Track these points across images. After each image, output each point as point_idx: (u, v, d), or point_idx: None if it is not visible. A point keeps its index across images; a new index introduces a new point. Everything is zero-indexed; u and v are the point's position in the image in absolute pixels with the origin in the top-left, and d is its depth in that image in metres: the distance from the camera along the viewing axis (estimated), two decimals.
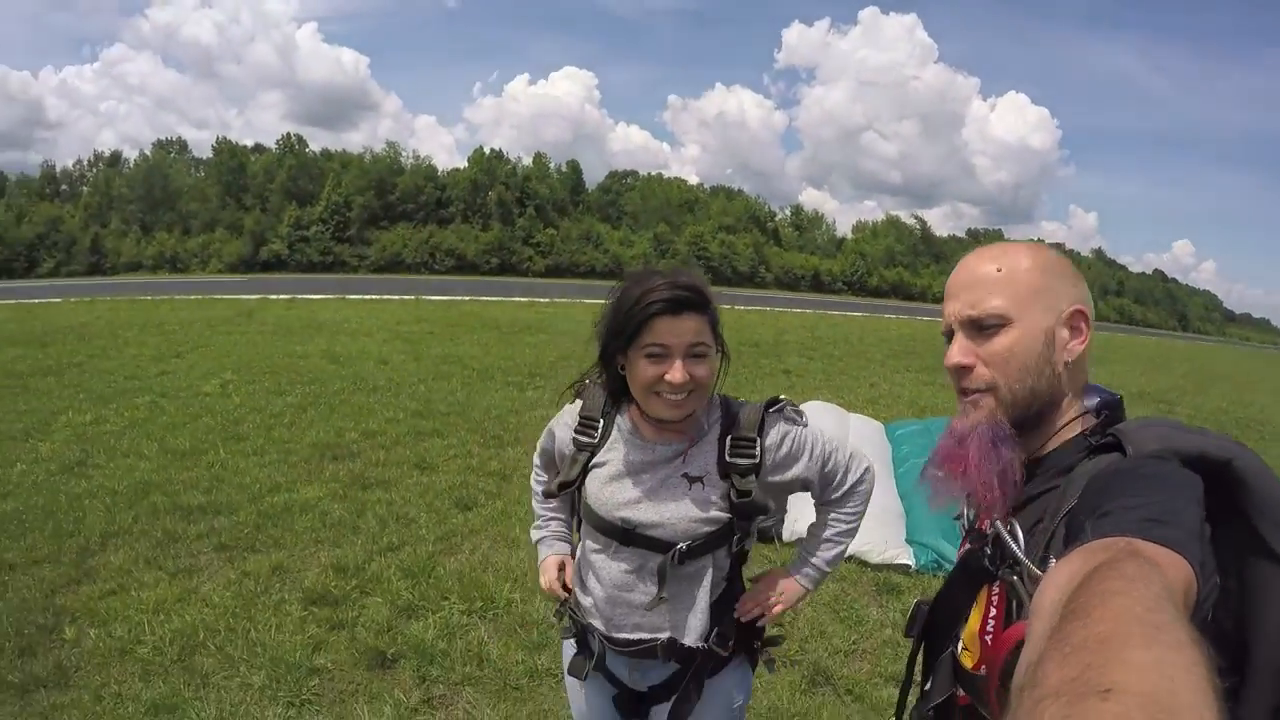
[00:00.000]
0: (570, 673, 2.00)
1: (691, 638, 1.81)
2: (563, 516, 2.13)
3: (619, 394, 1.83)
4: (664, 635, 1.81)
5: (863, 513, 1.94)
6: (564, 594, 1.96)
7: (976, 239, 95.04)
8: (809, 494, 1.92)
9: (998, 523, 1.16)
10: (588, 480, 1.85)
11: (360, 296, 21.60)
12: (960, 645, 1.24)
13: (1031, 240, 1.31)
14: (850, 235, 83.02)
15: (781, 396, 1.87)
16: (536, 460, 2.12)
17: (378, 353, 12.34)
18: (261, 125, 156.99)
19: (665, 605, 1.80)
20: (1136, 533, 0.81)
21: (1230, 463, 1.01)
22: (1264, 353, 57.92)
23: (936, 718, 1.29)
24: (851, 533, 1.95)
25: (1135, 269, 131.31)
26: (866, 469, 1.92)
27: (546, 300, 25.45)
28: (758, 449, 1.75)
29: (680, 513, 1.75)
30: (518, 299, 25.76)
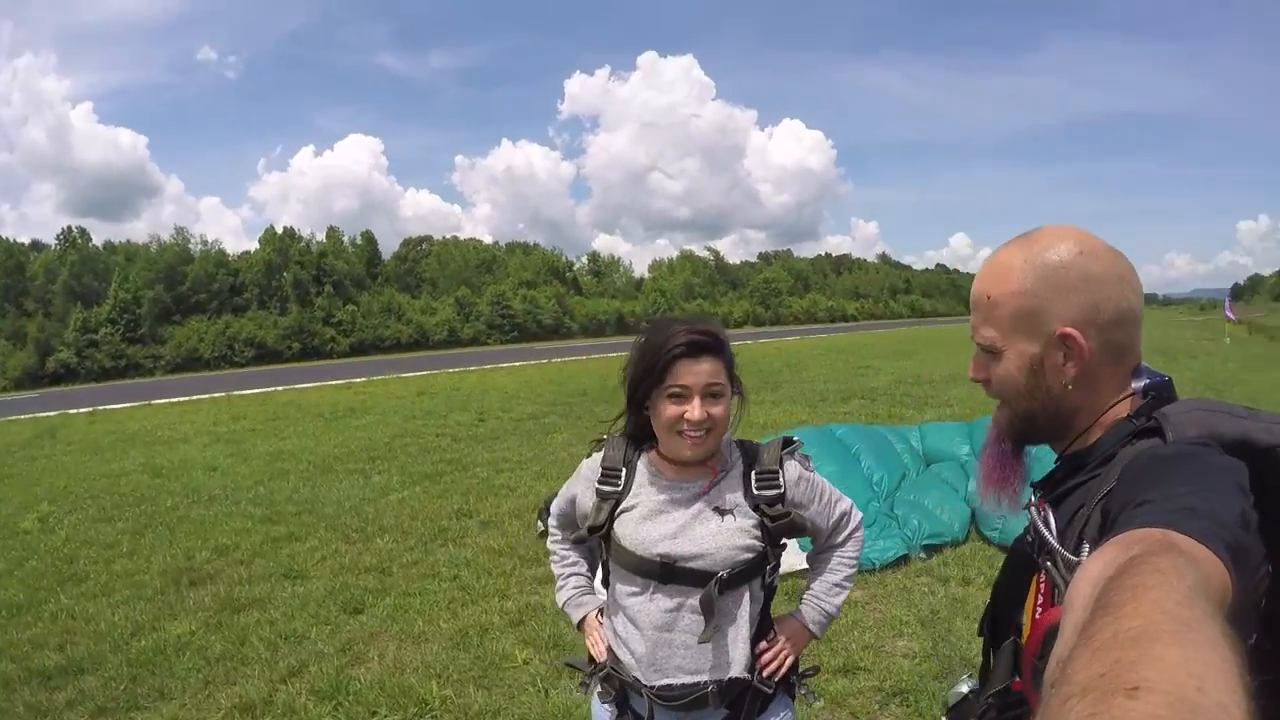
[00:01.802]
0: None
1: (735, 669, 1.84)
2: (582, 572, 2.15)
3: (641, 439, 1.93)
4: (709, 677, 1.83)
5: (858, 558, 2.08)
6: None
7: (768, 261, 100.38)
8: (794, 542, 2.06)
9: (1033, 510, 1.17)
10: (617, 525, 1.88)
11: (167, 400, 20.03)
12: (1024, 632, 1.21)
13: (1052, 229, 1.20)
14: (648, 275, 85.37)
15: (794, 438, 1.98)
16: (553, 522, 2.12)
17: (202, 459, 11.37)
18: (37, 219, 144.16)
19: (709, 641, 1.81)
20: (1172, 524, 0.79)
21: (1275, 448, 1.01)
22: None
23: (999, 709, 1.26)
24: (853, 577, 2.08)
25: (919, 266, 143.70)
26: (860, 516, 2.08)
27: (363, 380, 24.55)
28: (781, 481, 1.87)
29: (719, 541, 1.81)
30: (333, 382, 24.67)
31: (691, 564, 1.80)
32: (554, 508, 2.09)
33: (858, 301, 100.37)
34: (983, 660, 1.42)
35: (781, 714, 1.97)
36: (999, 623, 1.32)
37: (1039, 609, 1.15)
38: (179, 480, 9.98)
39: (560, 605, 2.10)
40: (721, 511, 1.83)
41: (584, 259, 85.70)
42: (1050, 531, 1.10)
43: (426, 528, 7.19)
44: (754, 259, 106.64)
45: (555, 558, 2.15)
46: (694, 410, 1.74)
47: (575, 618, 2.06)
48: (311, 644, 4.76)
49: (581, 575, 2.13)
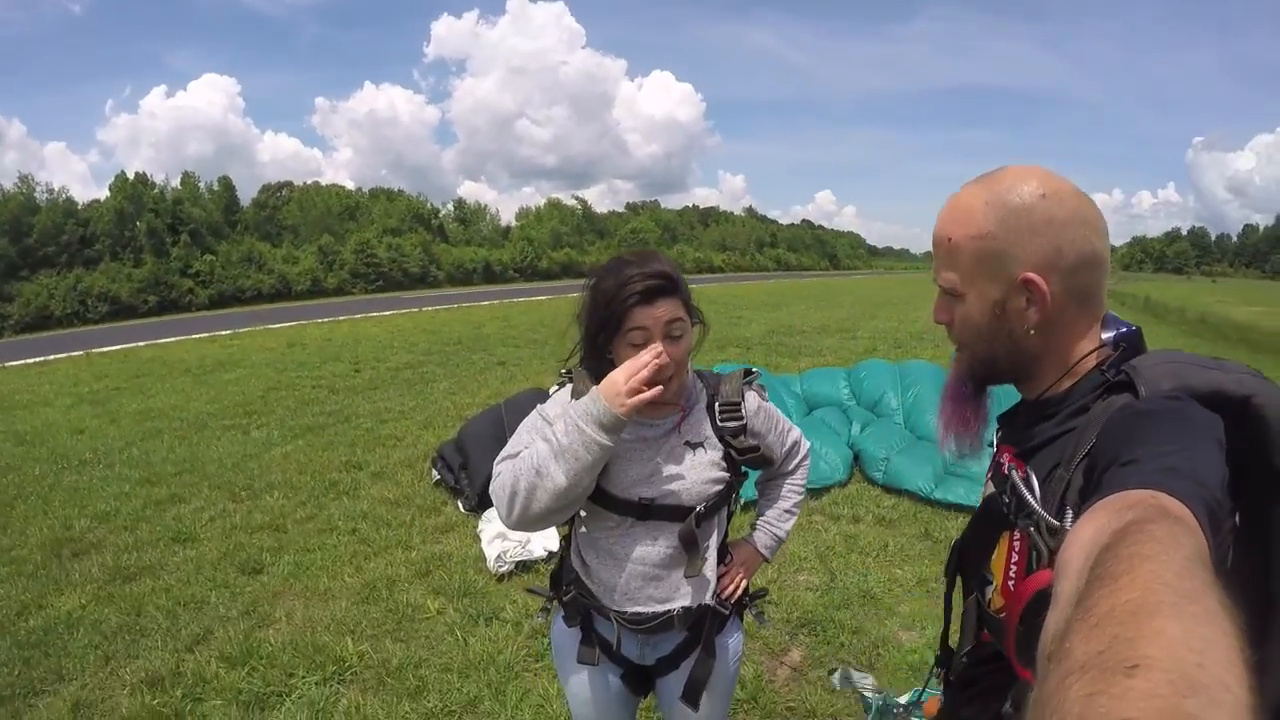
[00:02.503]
0: (581, 660, 1.98)
1: (703, 596, 1.92)
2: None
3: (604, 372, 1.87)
4: (677, 605, 1.89)
5: (805, 484, 2.20)
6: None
7: (635, 211, 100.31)
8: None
9: (1014, 471, 1.16)
10: None
11: (21, 362, 18.51)
12: (990, 587, 1.23)
13: (1015, 170, 1.17)
14: (515, 223, 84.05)
15: (753, 368, 2.03)
16: (515, 445, 1.84)
17: (66, 422, 10.52)
18: None
19: (697, 574, 1.87)
20: (1159, 485, 0.79)
21: (1249, 399, 1.00)
22: (909, 278, 67.70)
23: (971, 665, 1.31)
24: (801, 504, 2.20)
25: (785, 221, 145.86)
26: (809, 446, 2.19)
27: (228, 332, 23.26)
28: (743, 412, 1.91)
29: (692, 476, 1.84)
30: (196, 335, 23.27)
31: (668, 501, 1.82)
32: (512, 440, 1.86)
33: (725, 254, 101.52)
34: (945, 601, 1.47)
35: (734, 633, 2.08)
36: (965, 574, 1.34)
37: (1013, 568, 1.15)
38: (45, 446, 9.21)
39: (578, 426, 1.68)
40: (692, 445, 1.86)
41: (450, 206, 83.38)
42: (1033, 495, 1.10)
43: (316, 481, 6.98)
44: (622, 209, 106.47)
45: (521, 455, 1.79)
46: (660, 355, 1.72)
47: (599, 400, 1.68)
48: (213, 609, 4.57)
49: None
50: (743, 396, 1.93)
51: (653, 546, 1.85)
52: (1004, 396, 1.33)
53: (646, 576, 1.87)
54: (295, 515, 6.14)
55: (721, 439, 1.88)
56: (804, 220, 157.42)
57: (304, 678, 3.75)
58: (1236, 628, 0.52)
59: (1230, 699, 0.45)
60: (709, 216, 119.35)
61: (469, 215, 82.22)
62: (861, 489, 6.26)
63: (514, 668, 3.73)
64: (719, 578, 1.99)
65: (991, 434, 1.37)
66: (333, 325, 24.33)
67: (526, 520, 1.74)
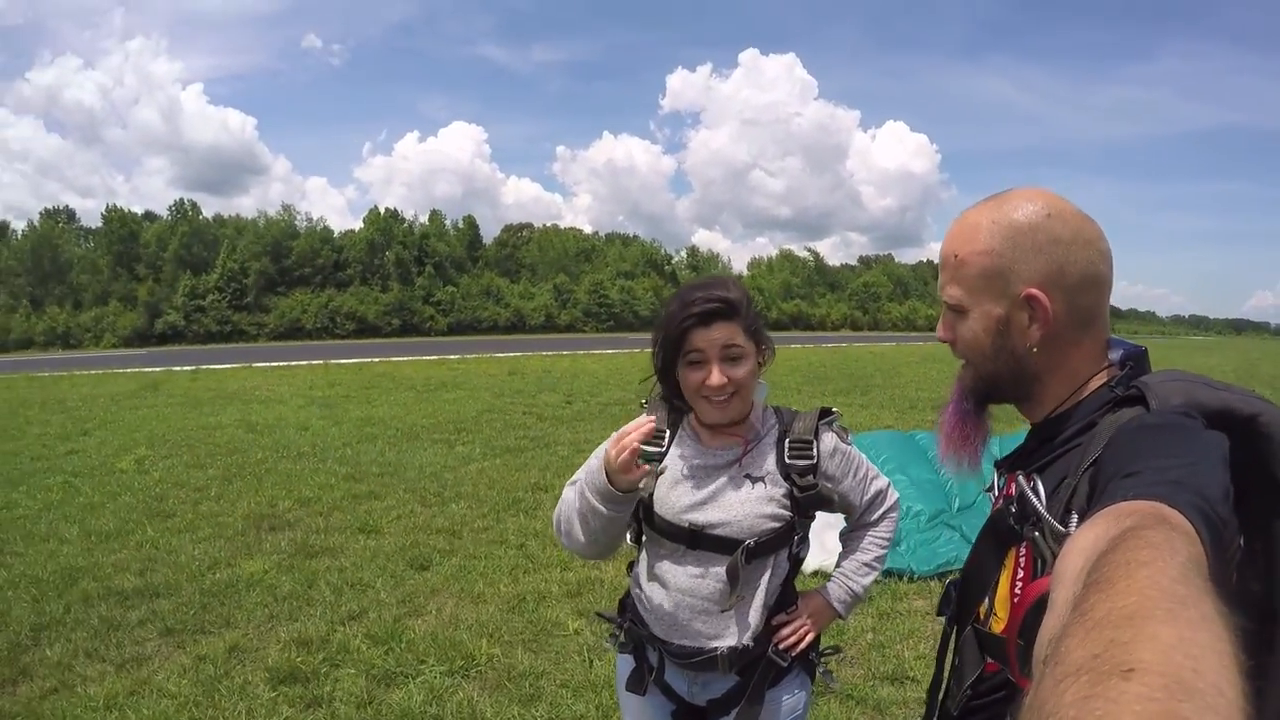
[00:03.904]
0: (628, 688, 1.98)
1: (747, 637, 1.85)
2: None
3: (679, 405, 1.91)
4: (724, 644, 1.84)
5: (893, 539, 2.05)
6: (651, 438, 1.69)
7: (868, 265, 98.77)
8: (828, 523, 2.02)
9: (1020, 479, 1.14)
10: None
11: (267, 364, 20.92)
12: (991, 612, 1.22)
13: (1021, 191, 1.19)
14: (746, 272, 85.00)
15: (833, 409, 1.95)
16: (583, 470, 1.92)
17: (295, 419, 11.88)
18: (149, 191, 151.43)
19: (732, 609, 1.83)
20: (1161, 496, 0.79)
21: (1256, 418, 1.00)
22: (1150, 341, 63.17)
23: (974, 697, 1.26)
24: (884, 558, 2.05)
25: None
26: (897, 496, 2.06)
27: (457, 357, 25.12)
28: (815, 451, 1.85)
29: (746, 509, 1.81)
30: (427, 357, 25.33)
31: (718, 531, 1.81)
32: (588, 465, 1.92)
33: None
34: (940, 644, 1.41)
35: (796, 691, 1.96)
36: (965, 604, 1.31)
37: (1019, 583, 1.14)
38: (271, 436, 10.46)
39: (580, 493, 1.79)
40: (753, 479, 1.84)
41: (683, 253, 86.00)
42: (1039, 500, 1.09)
43: (501, 497, 7.37)
44: (854, 262, 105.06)
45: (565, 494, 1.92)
46: (713, 376, 1.74)
47: (602, 470, 1.72)
48: (375, 593, 4.97)
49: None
50: (817, 435, 1.88)
51: (702, 579, 1.83)
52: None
53: (695, 609, 1.84)
54: (473, 524, 6.52)
55: (787, 476, 1.84)
56: None
57: (433, 666, 3.98)
58: (1232, 633, 0.52)
59: (1225, 704, 0.45)
60: None
61: (701, 263, 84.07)
62: None
63: None
64: (780, 626, 1.91)
65: (989, 474, 1.35)
66: (555, 358, 25.54)
67: (574, 552, 1.86)
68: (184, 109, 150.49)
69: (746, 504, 1.81)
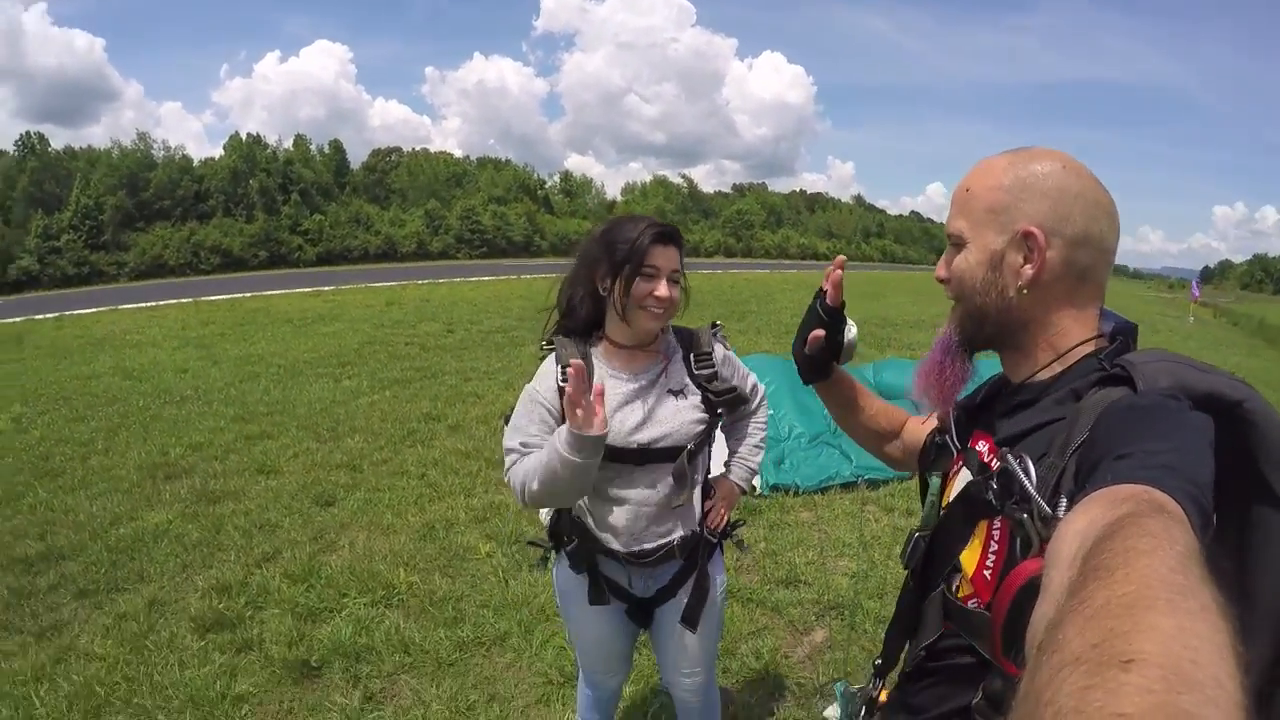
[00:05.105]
0: (593, 602, 2.18)
1: (693, 524, 2.16)
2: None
3: (589, 330, 2.09)
4: (675, 536, 2.12)
5: (767, 423, 2.42)
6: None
7: (741, 193, 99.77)
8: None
9: (1008, 456, 1.11)
10: None
11: (134, 306, 19.80)
12: (957, 579, 1.21)
13: (1045, 149, 1.23)
14: (620, 198, 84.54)
15: (717, 321, 2.27)
16: (514, 441, 2.00)
17: (172, 362, 11.40)
18: None
19: (685, 505, 2.10)
20: (1153, 481, 0.79)
21: (1241, 404, 1.00)
22: None
23: (928, 658, 1.28)
24: (765, 440, 2.40)
25: (893, 211, 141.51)
26: (764, 388, 2.42)
27: (331, 289, 24.38)
28: (714, 360, 2.15)
29: (679, 420, 2.05)
30: (301, 289, 24.48)
31: (661, 443, 2.02)
32: (514, 420, 2.03)
33: (830, 241, 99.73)
34: (900, 599, 1.41)
35: (719, 566, 2.32)
36: (933, 559, 1.30)
37: (992, 556, 1.15)
38: (150, 382, 10.04)
39: (551, 457, 1.79)
40: (675, 393, 2.07)
41: (556, 178, 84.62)
42: (1030, 481, 1.07)
43: (396, 429, 7.40)
44: (728, 190, 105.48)
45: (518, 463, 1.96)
46: (663, 289, 1.94)
47: (569, 431, 1.74)
48: (285, 533, 4.99)
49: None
50: (712, 347, 2.16)
51: (652, 488, 2.05)
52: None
53: (650, 516, 2.07)
54: (372, 458, 6.54)
55: (699, 385, 2.11)
56: (913, 212, 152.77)
57: (355, 599, 4.08)
58: (1230, 624, 0.52)
59: (1224, 695, 0.46)
60: (816, 202, 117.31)
61: (575, 188, 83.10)
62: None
63: (546, 611, 3.95)
64: (707, 511, 2.22)
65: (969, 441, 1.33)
66: (432, 287, 25.10)
67: (547, 506, 2.07)
68: (26, 31, 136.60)
69: (678, 415, 2.05)
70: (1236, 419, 1.00)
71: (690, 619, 2.18)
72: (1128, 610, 0.53)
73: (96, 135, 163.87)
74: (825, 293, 1.53)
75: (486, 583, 4.29)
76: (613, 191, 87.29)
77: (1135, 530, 0.65)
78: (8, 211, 52.32)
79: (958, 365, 1.32)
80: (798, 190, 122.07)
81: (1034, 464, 1.08)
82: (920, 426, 1.64)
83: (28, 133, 58.10)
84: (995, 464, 1.16)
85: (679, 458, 2.04)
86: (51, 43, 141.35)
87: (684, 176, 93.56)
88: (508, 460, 1.99)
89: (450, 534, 4.94)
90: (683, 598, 2.19)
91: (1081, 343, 1.19)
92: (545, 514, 2.22)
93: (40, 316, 20.22)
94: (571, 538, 2.17)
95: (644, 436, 2.01)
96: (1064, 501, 0.99)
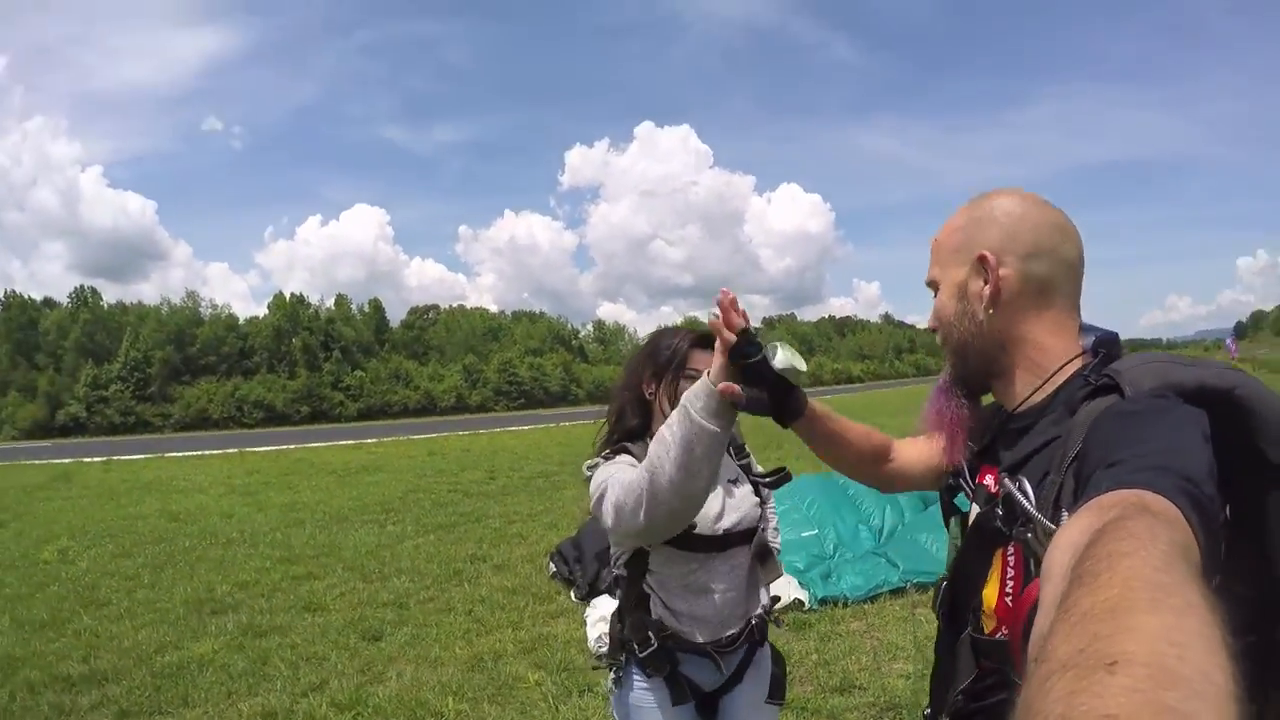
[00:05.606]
0: (674, 704, 2.12)
1: (765, 601, 2.23)
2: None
3: (638, 438, 2.17)
4: (753, 614, 2.18)
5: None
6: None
7: (771, 325, 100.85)
8: None
9: (1006, 480, 1.14)
10: None
11: (179, 454, 20.30)
12: (981, 614, 1.23)
13: (995, 190, 1.31)
14: None
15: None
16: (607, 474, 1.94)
17: (218, 507, 11.64)
18: (46, 278, 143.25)
19: (768, 582, 2.21)
20: (1144, 483, 0.79)
21: (1232, 390, 1.01)
22: None
23: (968, 699, 1.26)
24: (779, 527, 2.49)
25: (922, 325, 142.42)
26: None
27: (373, 440, 24.82)
28: (748, 451, 2.33)
29: (744, 506, 2.17)
30: (343, 442, 24.97)
31: (739, 527, 2.14)
32: (599, 477, 1.96)
33: (863, 363, 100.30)
34: (937, 645, 1.39)
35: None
36: (958, 604, 1.31)
37: (1010, 584, 1.17)
38: (196, 524, 10.25)
39: (685, 430, 1.65)
40: (732, 482, 2.19)
41: (589, 327, 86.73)
42: (1029, 501, 1.09)
43: (442, 570, 7.42)
44: (758, 324, 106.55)
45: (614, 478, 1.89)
46: None
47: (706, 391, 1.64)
48: (332, 665, 4.99)
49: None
50: (744, 440, 2.34)
51: (732, 572, 2.13)
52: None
53: (734, 600, 2.13)
54: (418, 596, 6.56)
55: (746, 473, 2.26)
56: None
57: None
58: (1217, 616, 0.52)
59: (1212, 689, 0.45)
60: (845, 326, 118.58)
61: (608, 335, 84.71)
62: None
63: None
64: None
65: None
66: (473, 437, 25.41)
67: (653, 525, 1.75)
68: (83, 192, 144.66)
69: (744, 501, 2.17)
70: (1231, 406, 1.01)
71: (777, 693, 2.25)
72: (1110, 613, 0.53)
73: (146, 292, 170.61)
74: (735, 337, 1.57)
75: (536, 709, 4.25)
76: (644, 335, 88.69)
77: (1118, 534, 0.66)
78: (59, 360, 54.73)
79: (954, 405, 1.37)
80: (827, 316, 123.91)
81: (1034, 484, 1.11)
82: (911, 446, 1.73)
83: (81, 286, 61.95)
84: (1000, 491, 1.18)
85: (758, 535, 2.17)
86: (106, 204, 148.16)
87: (714, 316, 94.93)
88: (602, 490, 1.88)
89: (498, 665, 4.91)
90: (748, 683, 2.21)
91: (1067, 362, 1.22)
92: (594, 640, 2.27)
93: (89, 460, 20.84)
94: (649, 641, 2.10)
95: (727, 523, 2.11)
96: (1065, 516, 1.00)
